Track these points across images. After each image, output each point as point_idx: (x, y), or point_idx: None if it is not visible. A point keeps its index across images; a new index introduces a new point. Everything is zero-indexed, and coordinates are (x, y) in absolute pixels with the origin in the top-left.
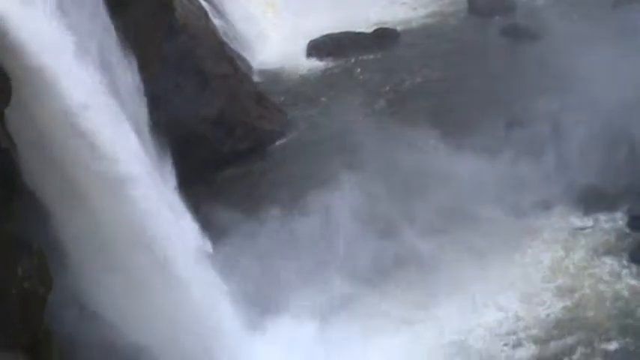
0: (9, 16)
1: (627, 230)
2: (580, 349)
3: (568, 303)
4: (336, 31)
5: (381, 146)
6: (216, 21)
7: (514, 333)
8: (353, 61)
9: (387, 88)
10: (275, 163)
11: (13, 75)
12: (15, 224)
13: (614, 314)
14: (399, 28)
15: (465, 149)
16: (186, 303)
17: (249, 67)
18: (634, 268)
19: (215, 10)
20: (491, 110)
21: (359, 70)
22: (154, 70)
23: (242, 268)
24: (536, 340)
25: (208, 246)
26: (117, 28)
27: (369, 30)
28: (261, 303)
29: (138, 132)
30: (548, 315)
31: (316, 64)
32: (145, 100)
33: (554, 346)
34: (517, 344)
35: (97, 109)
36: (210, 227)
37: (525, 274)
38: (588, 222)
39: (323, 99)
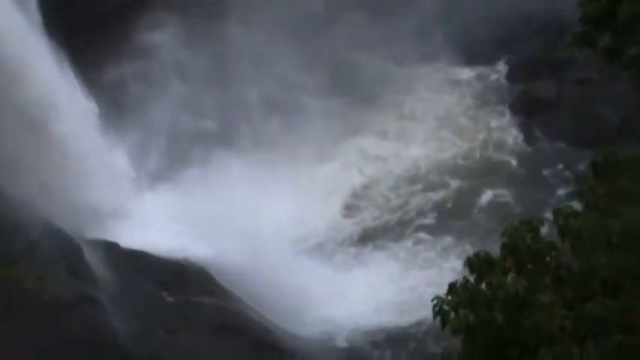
0: None
1: (506, 82)
2: (474, 190)
3: (455, 150)
4: None
5: None
6: None
7: (413, 179)
8: None
9: None
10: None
11: None
12: None
13: (500, 160)
14: None
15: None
16: (73, 157)
17: None
18: (513, 117)
19: None
20: None
21: None
22: None
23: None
24: (433, 184)
25: (94, 105)
26: None
27: None
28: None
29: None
30: (439, 160)
31: None
32: None
33: (452, 188)
34: (416, 188)
35: None
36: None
37: (413, 124)
38: (470, 73)
39: None
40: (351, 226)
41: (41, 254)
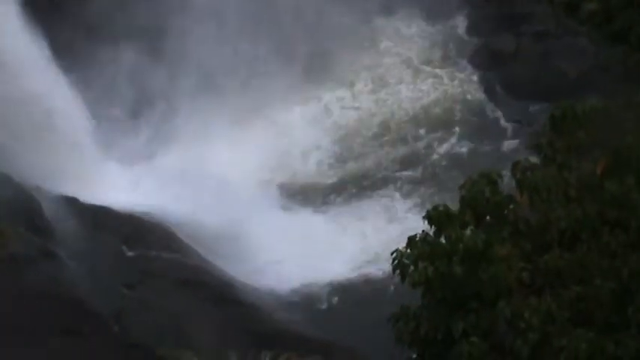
0: None
1: (466, 36)
2: (436, 142)
3: (415, 104)
4: None
5: None
6: None
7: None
8: None
9: None
10: None
11: None
12: None
13: (459, 114)
14: None
15: None
16: (32, 117)
17: None
18: (472, 71)
19: None
20: None
21: None
22: None
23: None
24: (392, 137)
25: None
26: None
27: None
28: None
29: None
30: (398, 113)
31: None
32: None
33: (411, 141)
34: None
35: None
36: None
37: (371, 77)
38: (429, 27)
39: None
40: (319, 178)
41: None
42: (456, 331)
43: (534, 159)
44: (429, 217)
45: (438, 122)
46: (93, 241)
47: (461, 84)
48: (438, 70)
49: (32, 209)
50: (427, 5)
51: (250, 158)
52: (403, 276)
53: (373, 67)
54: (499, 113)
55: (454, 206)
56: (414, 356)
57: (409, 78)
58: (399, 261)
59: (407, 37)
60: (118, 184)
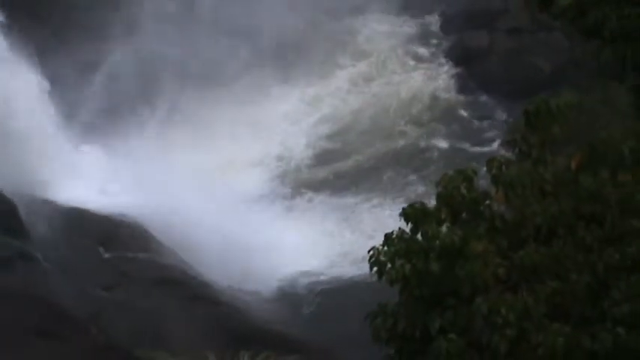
0: None
1: (440, 32)
2: (411, 139)
3: (389, 101)
4: None
5: None
6: None
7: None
8: None
9: None
10: None
11: None
12: None
13: (433, 110)
14: None
15: None
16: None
17: None
18: (447, 67)
19: None
20: None
21: None
22: None
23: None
24: (368, 135)
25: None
26: None
27: None
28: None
29: None
30: (373, 111)
31: None
32: None
33: (386, 139)
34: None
35: None
36: None
37: (345, 75)
38: (404, 24)
39: None
40: (297, 175)
41: None
42: (434, 328)
43: (509, 154)
44: (405, 214)
45: (413, 119)
46: (69, 242)
47: (435, 80)
48: (411, 67)
49: (8, 211)
50: (400, 2)
51: (231, 155)
52: (380, 274)
53: (347, 65)
54: (474, 109)
55: (430, 204)
56: (392, 353)
57: (383, 76)
58: (376, 259)
59: (380, 35)
60: (93, 183)
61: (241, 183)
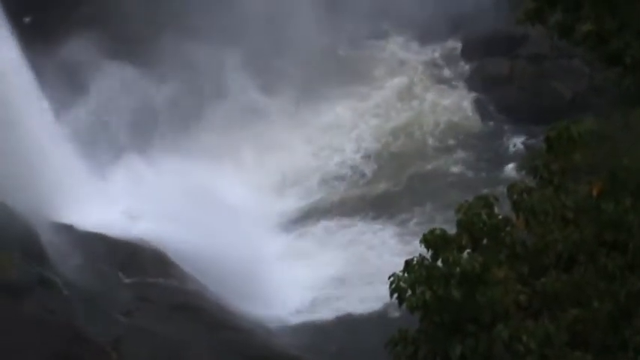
0: None
1: (461, 59)
2: (427, 170)
3: (411, 128)
4: None
5: None
6: None
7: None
8: None
9: None
10: None
11: None
12: None
13: (455, 137)
14: None
15: None
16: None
17: None
18: (468, 94)
19: None
20: None
21: None
22: None
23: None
24: (390, 161)
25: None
26: None
27: None
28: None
29: None
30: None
31: None
32: None
33: (409, 165)
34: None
35: None
36: None
37: (367, 103)
38: (425, 51)
39: None
40: (306, 204)
41: None
42: (454, 355)
43: (530, 181)
44: (426, 241)
45: (435, 145)
46: (89, 268)
47: (457, 106)
48: (434, 94)
49: (28, 236)
50: (421, 28)
51: (255, 180)
52: (401, 300)
53: (368, 92)
54: (495, 135)
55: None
56: None
57: (403, 103)
58: (397, 285)
59: (401, 62)
60: (113, 208)
61: (264, 209)
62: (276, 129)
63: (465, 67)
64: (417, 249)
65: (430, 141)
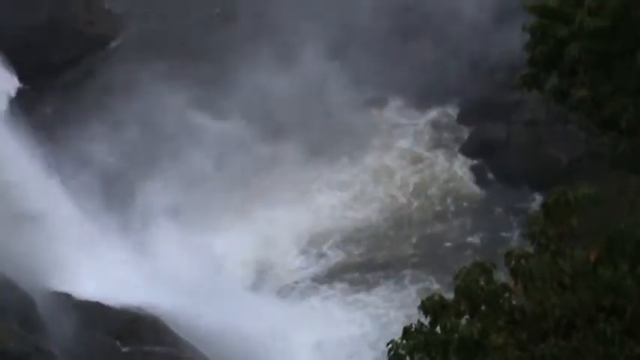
0: None
1: (457, 124)
2: (423, 236)
3: (407, 194)
4: None
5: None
6: None
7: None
8: None
9: None
10: (105, 66)
11: None
12: None
13: (452, 203)
14: None
15: None
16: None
17: None
18: (465, 159)
19: None
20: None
21: None
22: None
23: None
24: (387, 228)
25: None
26: None
27: None
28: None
29: None
30: (391, 204)
31: None
32: None
33: (405, 232)
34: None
35: None
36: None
37: (364, 168)
38: (421, 116)
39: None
40: (311, 269)
41: None
42: None
43: (528, 247)
44: (424, 307)
45: (431, 211)
46: (86, 337)
47: (453, 173)
48: (429, 160)
49: (25, 306)
50: (418, 94)
51: (240, 250)
52: None
53: (361, 158)
54: (492, 201)
55: (449, 296)
56: None
57: (399, 168)
58: (395, 352)
59: (398, 128)
60: (109, 275)
61: (261, 275)
62: (275, 197)
63: (462, 133)
64: (415, 314)
65: (426, 207)
